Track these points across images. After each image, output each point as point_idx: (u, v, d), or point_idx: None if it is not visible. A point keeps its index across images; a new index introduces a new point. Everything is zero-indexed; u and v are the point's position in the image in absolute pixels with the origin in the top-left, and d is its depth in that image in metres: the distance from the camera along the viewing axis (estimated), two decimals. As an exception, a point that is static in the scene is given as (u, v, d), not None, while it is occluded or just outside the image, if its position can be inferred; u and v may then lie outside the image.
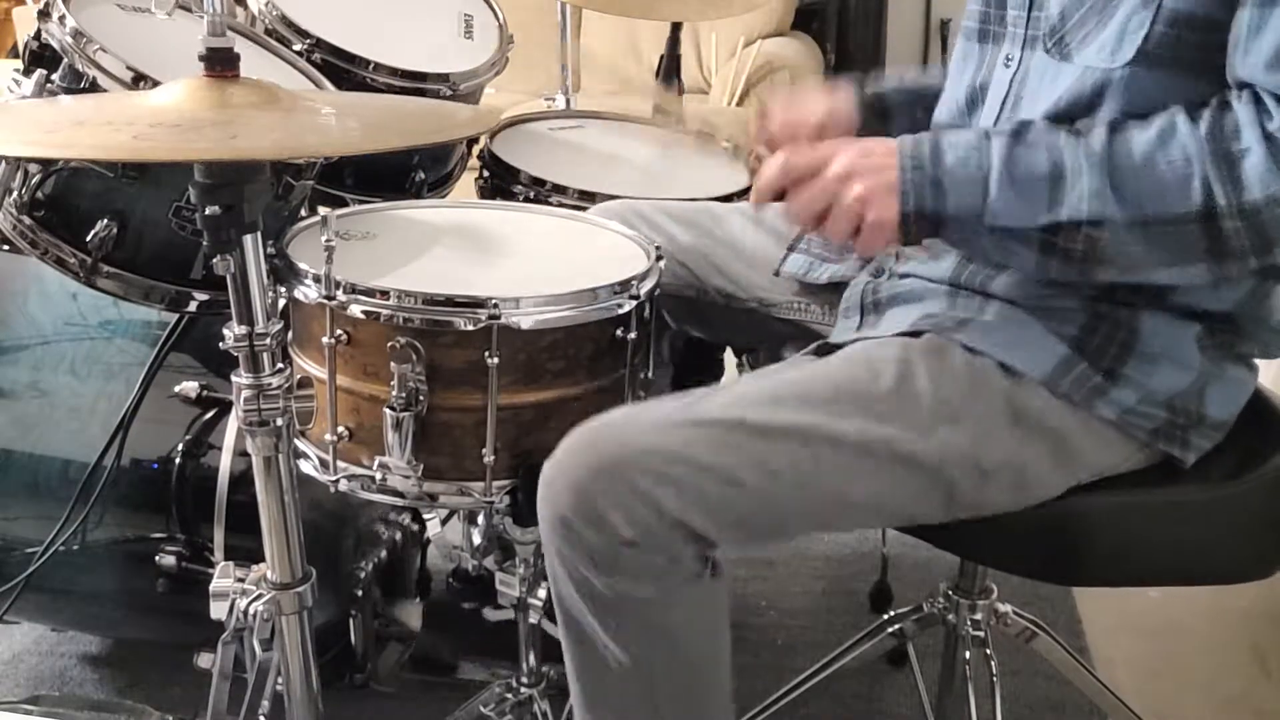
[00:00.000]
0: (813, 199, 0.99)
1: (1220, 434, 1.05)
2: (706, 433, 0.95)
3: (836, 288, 1.21)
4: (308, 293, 1.07)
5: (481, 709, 1.33)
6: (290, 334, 1.13)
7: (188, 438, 1.40)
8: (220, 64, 0.96)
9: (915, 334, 1.04)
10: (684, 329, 1.34)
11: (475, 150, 1.65)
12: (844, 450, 0.96)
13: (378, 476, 1.08)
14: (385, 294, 1.04)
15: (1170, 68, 0.94)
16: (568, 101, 2.12)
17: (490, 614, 1.29)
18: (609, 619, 0.97)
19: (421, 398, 1.04)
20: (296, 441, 1.12)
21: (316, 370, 1.09)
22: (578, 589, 0.97)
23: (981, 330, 1.02)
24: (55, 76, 1.23)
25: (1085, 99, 0.98)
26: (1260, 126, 0.88)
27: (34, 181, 1.24)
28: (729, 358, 1.57)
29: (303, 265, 1.08)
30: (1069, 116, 0.98)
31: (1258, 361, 1.08)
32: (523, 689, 1.33)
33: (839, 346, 1.08)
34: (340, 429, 1.09)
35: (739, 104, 3.52)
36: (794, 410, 0.97)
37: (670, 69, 1.90)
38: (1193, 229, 0.90)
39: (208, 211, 0.94)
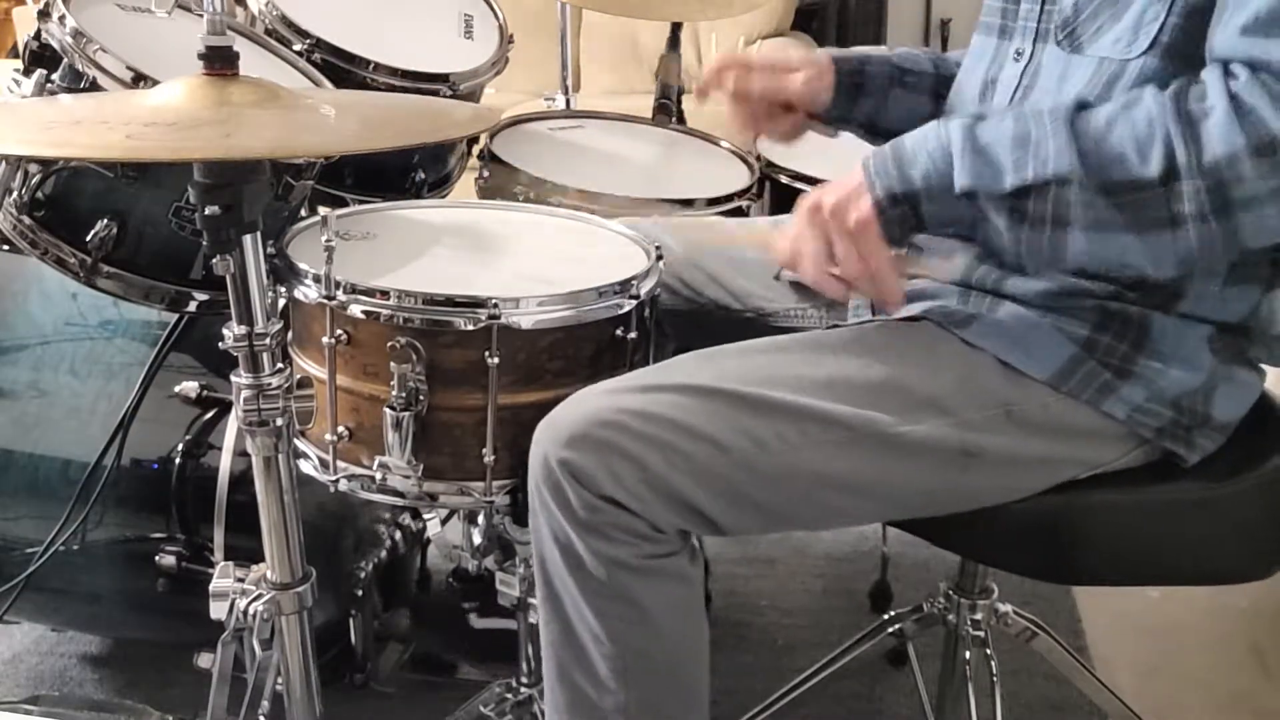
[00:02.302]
0: (810, 246, 0.99)
1: (1224, 435, 1.05)
2: (698, 400, 0.97)
3: None
4: (308, 293, 1.07)
5: (481, 709, 1.33)
6: (290, 334, 1.13)
7: (188, 438, 1.40)
8: (219, 62, 0.96)
9: (916, 319, 1.05)
10: (684, 343, 1.34)
11: (475, 150, 1.65)
12: (833, 429, 0.98)
13: (378, 476, 1.08)
14: (385, 294, 1.04)
15: (1183, 59, 0.95)
16: (568, 101, 2.11)
17: (477, 621, 1.29)
18: (585, 584, 0.97)
19: (421, 398, 1.04)
20: (296, 441, 1.12)
21: (316, 370, 1.09)
22: (562, 553, 0.97)
23: (985, 327, 1.03)
24: (55, 76, 1.23)
25: (1099, 91, 0.99)
26: (1225, 87, 0.87)
27: (34, 181, 1.24)
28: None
29: (303, 265, 1.08)
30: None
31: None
32: (522, 689, 1.33)
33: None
34: (340, 429, 1.09)
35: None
36: (788, 389, 0.98)
37: (670, 69, 1.91)
38: (1155, 192, 0.89)
39: (207, 211, 0.94)
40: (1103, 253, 0.94)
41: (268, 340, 1.00)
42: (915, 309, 1.06)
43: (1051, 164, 0.91)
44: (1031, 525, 1.04)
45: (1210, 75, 0.89)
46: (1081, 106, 0.93)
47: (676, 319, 1.27)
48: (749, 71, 1.28)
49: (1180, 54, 0.95)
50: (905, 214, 0.97)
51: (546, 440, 0.97)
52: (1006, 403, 1.01)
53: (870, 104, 1.29)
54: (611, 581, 0.96)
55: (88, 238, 1.22)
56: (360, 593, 1.43)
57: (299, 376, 1.06)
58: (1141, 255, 0.93)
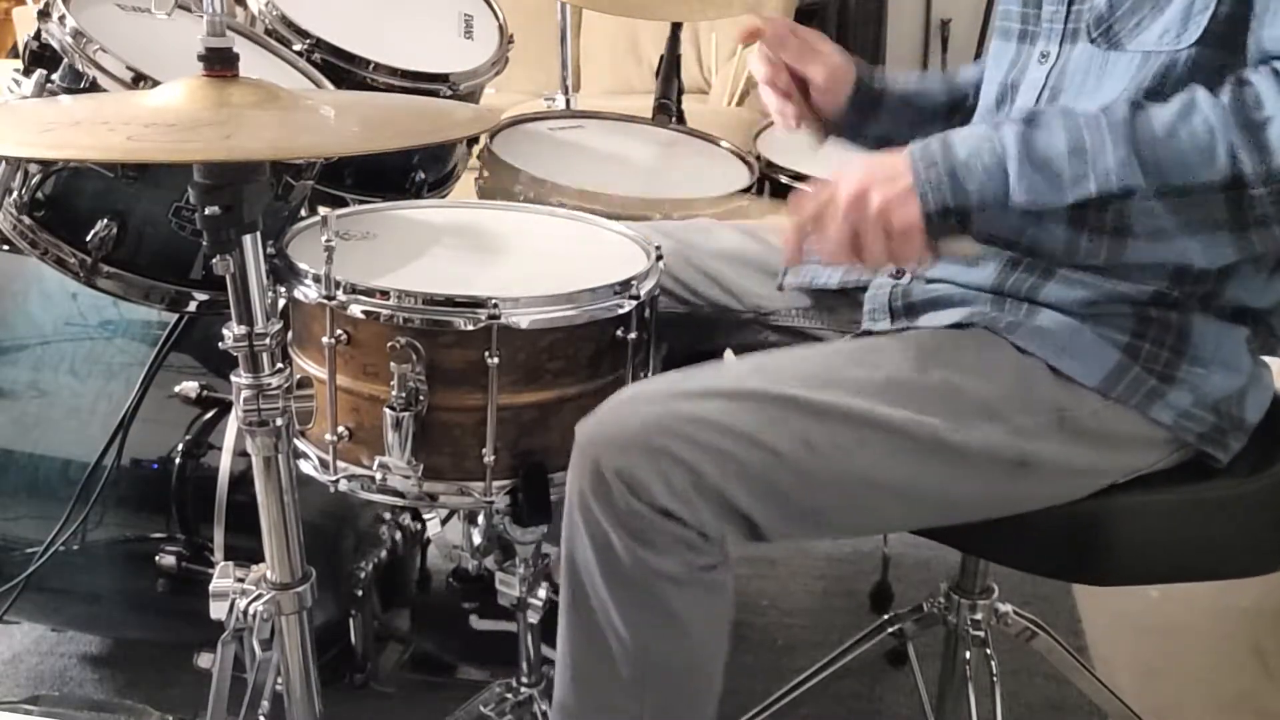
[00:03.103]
0: (838, 230, 0.96)
1: (1247, 435, 1.06)
2: (752, 406, 0.96)
3: (844, 293, 1.21)
4: (308, 293, 1.07)
5: (481, 709, 1.33)
6: (290, 334, 1.13)
7: (188, 438, 1.40)
8: (219, 63, 0.96)
9: (964, 326, 1.04)
10: (679, 346, 1.33)
11: (475, 150, 1.65)
12: (890, 435, 0.96)
13: (378, 476, 1.08)
14: (385, 294, 1.04)
15: (1235, 47, 0.95)
16: (568, 101, 2.12)
17: (477, 623, 1.29)
18: (621, 591, 0.96)
19: (421, 398, 1.04)
20: (296, 441, 1.12)
21: (316, 370, 1.09)
22: (597, 553, 0.95)
23: (1033, 332, 1.02)
24: (55, 76, 1.23)
25: (1150, 84, 0.98)
26: None
27: (34, 181, 1.24)
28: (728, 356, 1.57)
29: (303, 265, 1.08)
30: None
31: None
32: (523, 689, 1.33)
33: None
34: (340, 429, 1.09)
35: (739, 104, 3.52)
36: (842, 392, 0.97)
37: (670, 69, 1.91)
38: (1218, 198, 0.89)
39: (207, 212, 0.94)
40: (1162, 254, 0.96)
41: (268, 340, 1.00)
42: (954, 316, 1.06)
43: (1115, 177, 0.91)
44: (1065, 529, 1.04)
45: (1263, 82, 0.89)
46: (1135, 109, 0.92)
47: (671, 322, 1.27)
48: (790, 35, 1.25)
49: (1231, 42, 0.95)
50: (954, 224, 0.97)
51: (597, 444, 0.95)
52: (1059, 409, 1.00)
53: (881, 128, 1.27)
54: (650, 590, 0.95)
55: (88, 238, 1.22)
56: (360, 593, 1.43)
57: (299, 376, 1.05)
58: (1200, 255, 0.94)
